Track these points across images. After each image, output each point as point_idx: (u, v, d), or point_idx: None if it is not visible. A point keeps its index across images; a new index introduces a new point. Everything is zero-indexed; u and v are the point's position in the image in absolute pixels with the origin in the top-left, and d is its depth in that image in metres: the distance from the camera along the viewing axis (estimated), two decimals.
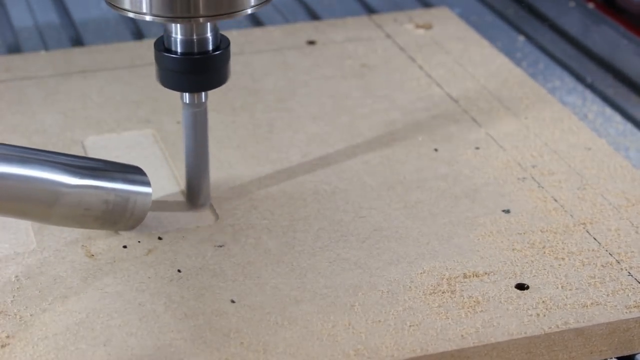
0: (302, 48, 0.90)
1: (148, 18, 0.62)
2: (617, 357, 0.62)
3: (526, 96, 0.83)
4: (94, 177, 0.63)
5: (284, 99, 0.82)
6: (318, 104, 0.82)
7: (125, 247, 0.66)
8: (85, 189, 0.62)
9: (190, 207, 0.70)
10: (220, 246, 0.66)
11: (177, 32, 0.64)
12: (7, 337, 0.59)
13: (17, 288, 0.62)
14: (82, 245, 0.66)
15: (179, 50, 0.64)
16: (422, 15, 0.96)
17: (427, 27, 0.93)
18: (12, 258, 0.65)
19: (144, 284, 0.63)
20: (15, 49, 0.93)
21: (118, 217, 0.65)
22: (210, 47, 0.64)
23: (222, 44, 0.65)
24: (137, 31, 0.97)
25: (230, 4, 0.62)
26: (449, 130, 0.78)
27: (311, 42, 0.91)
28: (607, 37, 0.95)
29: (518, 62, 0.91)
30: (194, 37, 0.64)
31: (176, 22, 0.63)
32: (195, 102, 0.66)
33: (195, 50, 0.64)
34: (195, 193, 0.69)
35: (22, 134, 0.76)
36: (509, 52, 0.93)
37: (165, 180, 0.72)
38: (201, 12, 0.62)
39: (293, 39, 0.91)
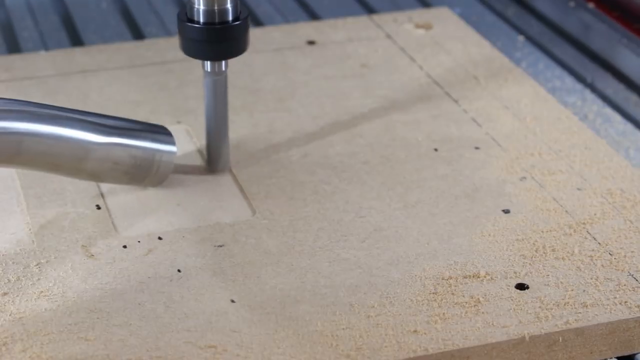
0: (302, 48, 0.90)
1: None
2: (617, 357, 0.62)
3: (526, 96, 0.83)
4: (121, 135, 0.67)
5: (284, 99, 0.82)
6: (318, 104, 0.82)
7: (125, 247, 0.66)
8: (112, 146, 0.66)
9: (210, 172, 0.73)
10: (220, 246, 0.66)
11: (199, 3, 0.68)
12: (7, 336, 0.59)
13: (18, 288, 0.62)
14: (82, 245, 0.66)
15: (201, 20, 0.68)
16: (422, 15, 0.96)
17: (427, 27, 0.93)
18: (12, 258, 0.65)
19: (143, 284, 0.63)
20: (15, 49, 0.93)
21: (145, 172, 0.69)
22: (230, 18, 0.68)
23: (242, 14, 0.69)
24: (137, 31, 0.97)
25: None
26: (449, 130, 0.78)
27: (311, 42, 0.91)
28: (607, 37, 0.95)
29: (518, 62, 0.91)
30: (215, 7, 0.68)
31: None
32: (216, 70, 0.70)
33: (217, 20, 0.68)
34: (215, 158, 0.73)
35: None
36: (509, 52, 0.93)
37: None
38: None
39: (293, 39, 0.91)
